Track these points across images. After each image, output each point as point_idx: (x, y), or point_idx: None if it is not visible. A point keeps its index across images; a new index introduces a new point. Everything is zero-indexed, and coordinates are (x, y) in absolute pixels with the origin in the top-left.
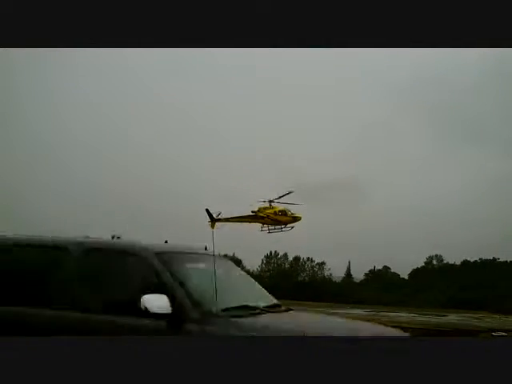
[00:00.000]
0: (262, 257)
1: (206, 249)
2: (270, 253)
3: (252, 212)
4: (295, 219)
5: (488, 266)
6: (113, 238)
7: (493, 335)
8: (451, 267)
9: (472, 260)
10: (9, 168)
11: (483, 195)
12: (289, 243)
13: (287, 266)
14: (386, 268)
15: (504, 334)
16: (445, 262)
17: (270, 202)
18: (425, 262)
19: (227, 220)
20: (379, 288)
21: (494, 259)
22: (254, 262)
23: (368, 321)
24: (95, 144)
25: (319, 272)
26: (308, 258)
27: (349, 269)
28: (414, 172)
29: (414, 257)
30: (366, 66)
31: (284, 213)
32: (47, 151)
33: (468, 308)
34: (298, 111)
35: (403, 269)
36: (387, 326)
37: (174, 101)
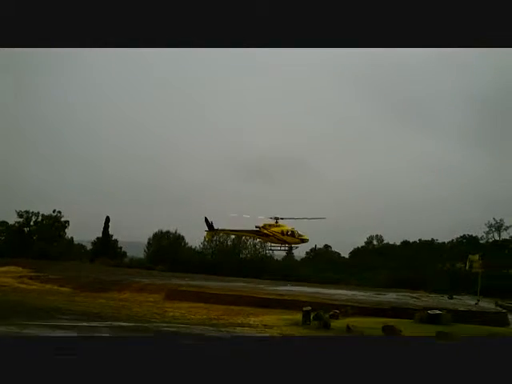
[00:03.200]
0: (204, 234)
1: None
2: None
3: (256, 227)
4: (303, 241)
5: (427, 247)
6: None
7: (428, 313)
8: (391, 247)
9: (411, 241)
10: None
11: (425, 179)
12: (232, 220)
13: (229, 243)
14: (326, 247)
15: (439, 312)
16: (385, 242)
17: (277, 219)
18: (365, 242)
19: (227, 232)
20: (320, 266)
21: (433, 240)
22: (196, 239)
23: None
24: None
25: (261, 250)
26: (250, 236)
27: (290, 247)
28: (358, 154)
29: (355, 236)
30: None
31: (292, 234)
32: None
33: (407, 287)
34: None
35: (344, 248)
36: None
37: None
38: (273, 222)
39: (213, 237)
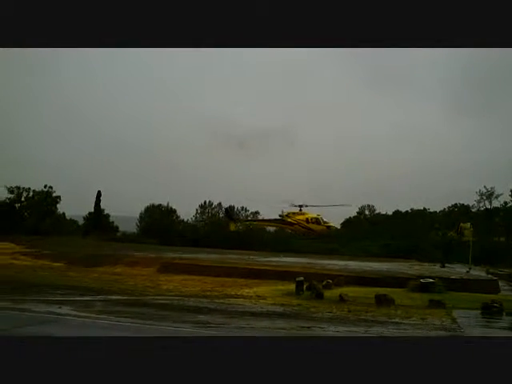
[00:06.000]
0: (197, 206)
1: None
2: (205, 202)
3: (279, 216)
4: (329, 229)
5: (419, 216)
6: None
7: (421, 282)
8: (383, 217)
9: (403, 210)
10: None
11: (414, 147)
12: (223, 193)
13: (221, 215)
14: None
15: (431, 280)
16: (377, 212)
17: (300, 206)
18: (357, 212)
19: (250, 222)
20: (312, 237)
21: (425, 209)
22: (188, 212)
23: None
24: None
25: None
26: (242, 208)
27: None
28: (345, 121)
29: (347, 207)
30: None
31: (317, 221)
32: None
33: (399, 256)
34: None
35: (336, 218)
36: None
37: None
38: (296, 209)
39: (237, 227)
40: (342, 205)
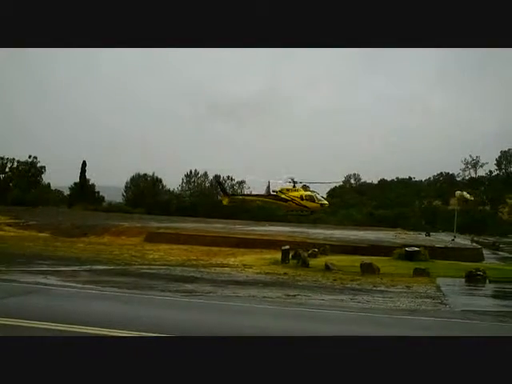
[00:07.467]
0: (182, 176)
1: None
2: (190, 171)
3: (273, 191)
4: (322, 206)
5: (404, 185)
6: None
7: (406, 250)
8: (369, 186)
9: (389, 179)
10: None
11: (399, 118)
12: (209, 162)
13: (207, 184)
14: (304, 187)
15: (416, 248)
16: (362, 180)
17: (295, 182)
18: (343, 181)
19: (243, 196)
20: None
21: (410, 178)
22: (174, 181)
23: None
24: None
25: (239, 190)
26: (228, 177)
27: (268, 188)
28: (331, 89)
29: (333, 175)
30: None
31: (311, 198)
32: None
33: (384, 225)
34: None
35: (321, 187)
36: None
37: None
38: (290, 185)
39: (229, 202)
40: (330, 182)
